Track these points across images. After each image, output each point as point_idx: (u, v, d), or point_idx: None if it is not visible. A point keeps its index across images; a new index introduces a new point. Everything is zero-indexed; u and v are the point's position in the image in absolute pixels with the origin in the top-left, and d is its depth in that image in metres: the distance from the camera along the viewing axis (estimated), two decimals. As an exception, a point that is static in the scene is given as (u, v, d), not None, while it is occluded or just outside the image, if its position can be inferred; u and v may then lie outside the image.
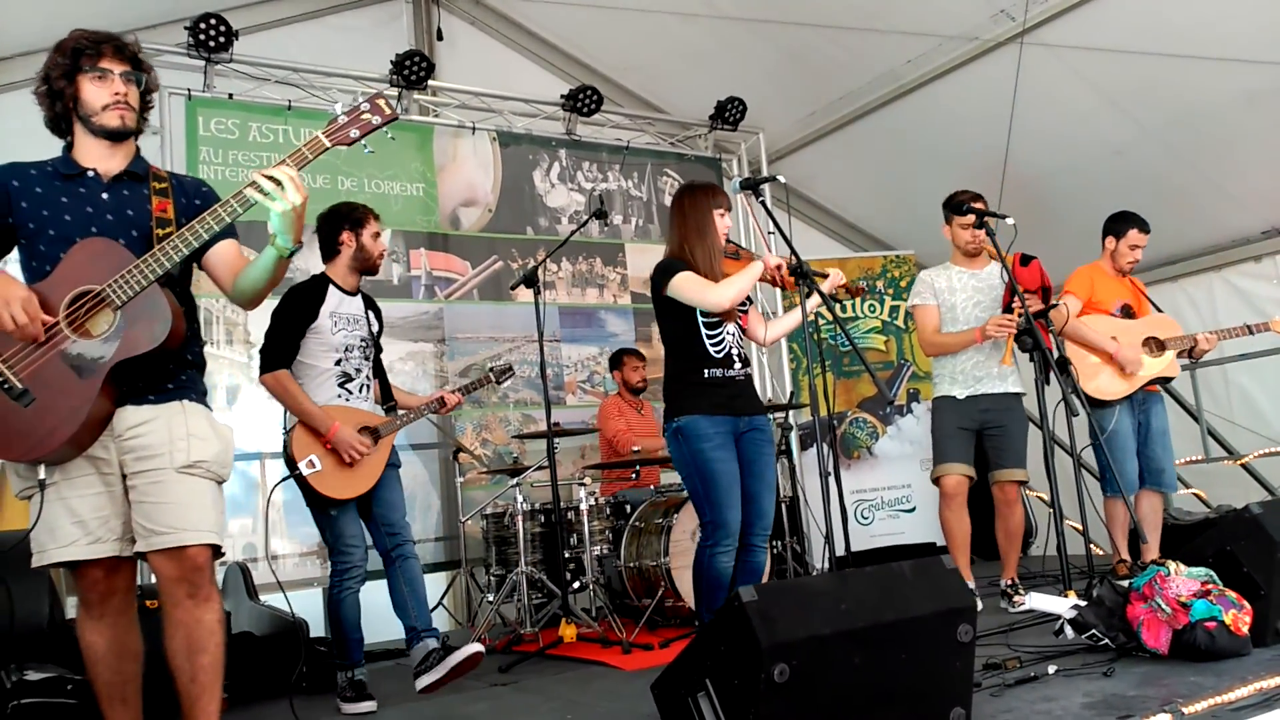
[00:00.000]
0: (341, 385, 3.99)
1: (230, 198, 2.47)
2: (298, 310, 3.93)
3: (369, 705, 3.81)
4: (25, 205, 2.55)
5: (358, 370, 4.03)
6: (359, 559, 3.91)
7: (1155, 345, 4.96)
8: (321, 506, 3.90)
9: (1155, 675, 2.99)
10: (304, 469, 3.80)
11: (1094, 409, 4.82)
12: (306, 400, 3.88)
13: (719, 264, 3.78)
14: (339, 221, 4.05)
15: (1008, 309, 4.60)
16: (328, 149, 2.50)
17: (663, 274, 3.76)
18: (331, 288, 4.02)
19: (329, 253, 4.08)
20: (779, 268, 3.71)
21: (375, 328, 4.18)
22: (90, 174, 2.61)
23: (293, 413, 3.90)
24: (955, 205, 4.66)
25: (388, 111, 2.53)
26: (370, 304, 4.22)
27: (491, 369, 4.66)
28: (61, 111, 2.61)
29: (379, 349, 4.22)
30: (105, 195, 2.61)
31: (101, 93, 2.58)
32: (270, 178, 2.40)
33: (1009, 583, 4.64)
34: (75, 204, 2.57)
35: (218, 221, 2.48)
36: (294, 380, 3.89)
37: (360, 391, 4.04)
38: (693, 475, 3.73)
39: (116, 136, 2.62)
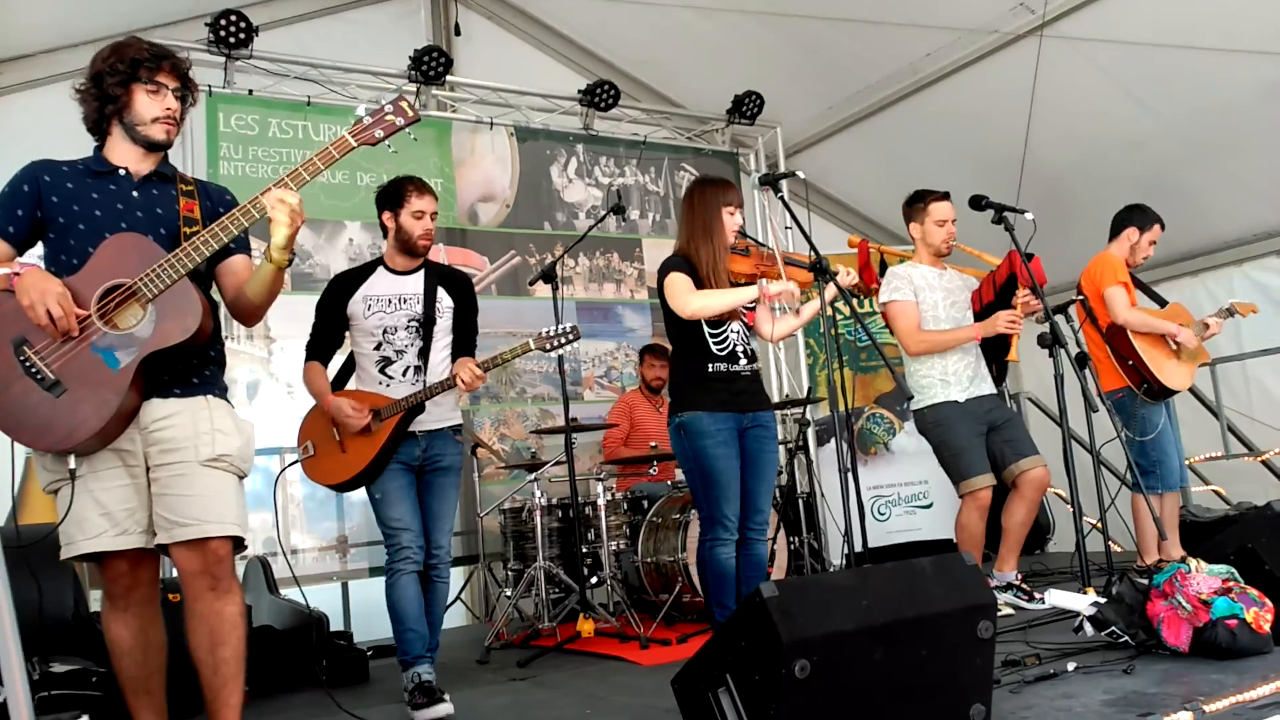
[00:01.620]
0: (382, 370, 3.82)
1: (260, 194, 2.56)
2: (324, 300, 3.88)
3: (443, 709, 3.44)
4: (55, 200, 2.59)
5: (399, 353, 3.81)
6: (409, 540, 3.65)
7: None
8: (366, 491, 3.78)
9: (1176, 673, 2.98)
10: (300, 455, 3.79)
11: (1149, 405, 4.81)
12: (322, 386, 3.80)
13: (725, 262, 3.79)
14: (381, 202, 3.90)
15: (987, 308, 4.57)
16: (354, 148, 2.62)
17: (662, 272, 3.82)
18: (380, 269, 3.90)
19: (384, 233, 3.95)
20: (780, 294, 3.70)
21: (444, 304, 3.89)
22: (121, 172, 2.67)
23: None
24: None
25: (410, 113, 2.63)
26: (445, 279, 3.96)
27: (549, 333, 3.90)
28: (108, 114, 2.66)
29: (460, 327, 3.94)
30: (135, 193, 2.67)
31: (154, 106, 2.64)
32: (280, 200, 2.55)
33: (1018, 578, 4.52)
34: (105, 200, 2.62)
35: (247, 217, 2.56)
36: (320, 371, 3.82)
37: (404, 375, 3.80)
38: (693, 470, 3.78)
39: (158, 148, 2.70)
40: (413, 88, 6.25)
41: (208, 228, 2.55)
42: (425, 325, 3.84)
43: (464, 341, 3.97)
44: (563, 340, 3.90)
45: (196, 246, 2.51)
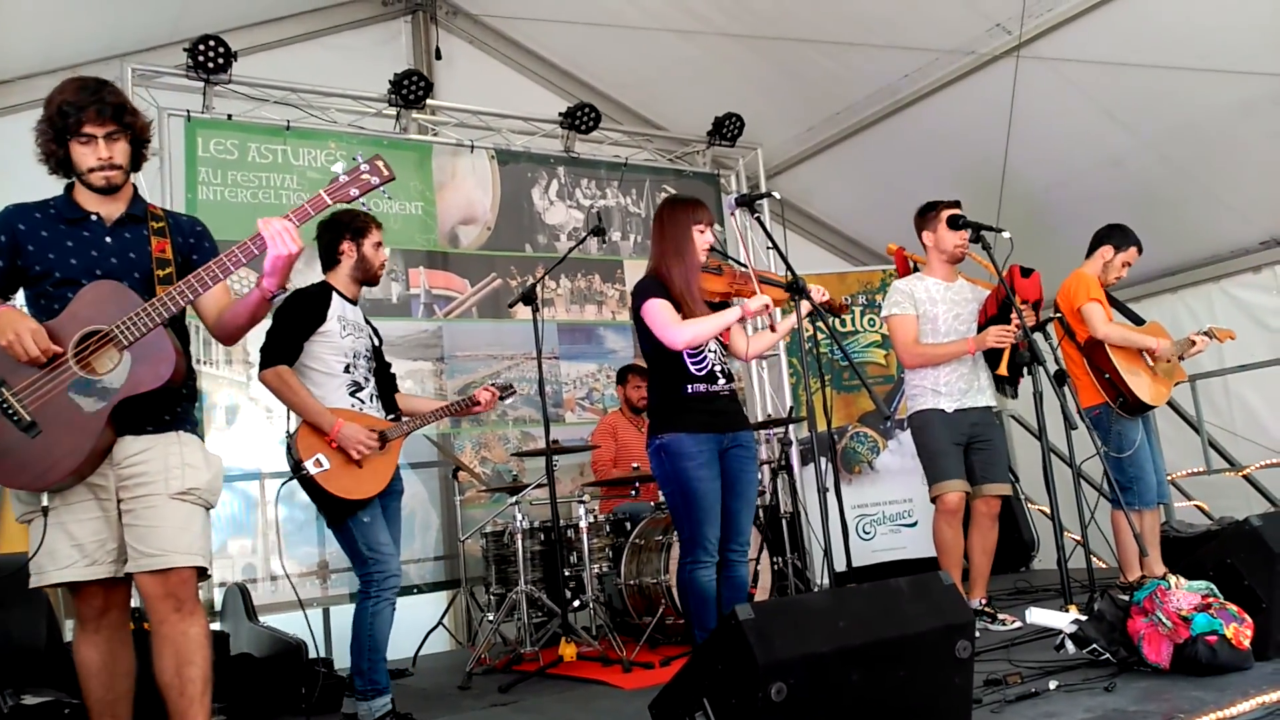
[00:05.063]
0: (353, 394, 3.84)
1: (235, 248, 2.59)
2: (304, 311, 3.77)
3: None
4: (32, 249, 2.66)
5: (366, 379, 3.91)
6: (396, 567, 3.71)
7: None
8: (342, 514, 3.68)
9: (1157, 690, 2.98)
10: (311, 468, 3.58)
11: (1126, 420, 4.84)
12: (309, 395, 3.70)
13: (696, 281, 3.76)
14: (340, 230, 3.91)
15: (990, 322, 4.59)
16: (329, 205, 2.70)
17: (638, 296, 3.78)
18: (335, 295, 3.89)
19: (329, 262, 3.95)
20: (759, 311, 3.68)
21: (376, 341, 4.08)
22: (94, 218, 2.73)
23: (294, 409, 3.71)
24: (954, 220, 4.57)
25: (385, 173, 2.73)
26: (366, 318, 4.13)
27: (494, 385, 4.34)
28: (60, 161, 2.70)
29: (384, 362, 4.13)
30: (109, 239, 2.73)
31: (88, 156, 2.67)
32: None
33: (983, 603, 4.54)
34: (80, 248, 2.69)
35: (223, 271, 2.61)
36: (296, 376, 3.72)
37: (371, 401, 3.90)
38: (674, 492, 3.74)
39: (106, 193, 2.72)
40: (393, 111, 6.26)
41: (185, 279, 2.59)
42: (377, 357, 4.04)
43: (390, 378, 4.17)
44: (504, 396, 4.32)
45: (173, 297, 2.56)
